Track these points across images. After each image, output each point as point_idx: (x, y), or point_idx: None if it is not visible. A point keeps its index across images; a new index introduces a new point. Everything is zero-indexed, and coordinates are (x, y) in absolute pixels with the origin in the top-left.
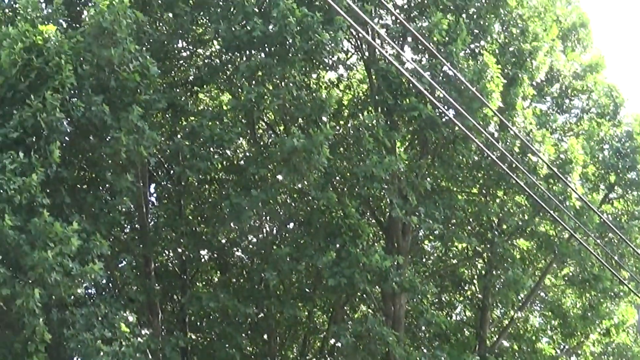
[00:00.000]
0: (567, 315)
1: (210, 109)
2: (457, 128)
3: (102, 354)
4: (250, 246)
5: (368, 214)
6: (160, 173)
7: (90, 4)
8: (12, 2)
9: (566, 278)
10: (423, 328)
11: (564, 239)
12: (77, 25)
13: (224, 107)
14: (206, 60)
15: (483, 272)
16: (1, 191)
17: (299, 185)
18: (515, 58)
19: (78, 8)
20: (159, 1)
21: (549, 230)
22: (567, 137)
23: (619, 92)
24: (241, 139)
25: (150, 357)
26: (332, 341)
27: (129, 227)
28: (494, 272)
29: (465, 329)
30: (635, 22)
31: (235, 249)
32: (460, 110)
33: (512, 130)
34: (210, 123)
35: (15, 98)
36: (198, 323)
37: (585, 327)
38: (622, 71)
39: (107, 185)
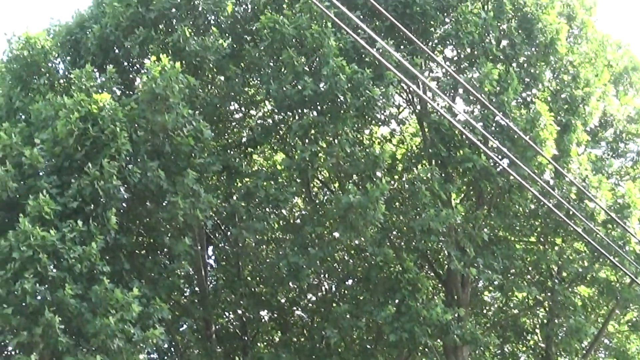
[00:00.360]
0: None
1: (265, 169)
2: (512, 177)
3: None
4: (310, 304)
5: (426, 267)
6: (217, 235)
7: (142, 71)
8: (66, 73)
9: (629, 324)
10: None
11: (626, 284)
12: (131, 93)
13: (278, 167)
14: (259, 121)
15: (545, 321)
16: (62, 260)
17: (356, 242)
18: (568, 104)
19: (131, 75)
20: (210, 65)
21: (610, 276)
22: (624, 181)
23: None
24: (296, 198)
25: None
26: None
27: (188, 290)
28: (556, 321)
29: None
30: None
31: (295, 308)
32: (514, 160)
33: (567, 177)
34: (265, 183)
35: (72, 167)
36: None
37: None
38: None
39: (165, 250)
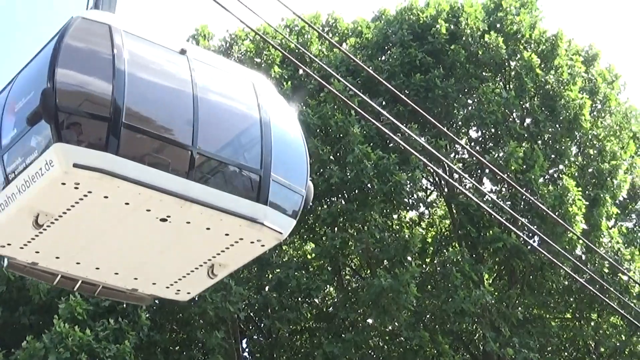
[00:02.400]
0: None
1: (295, 259)
2: (543, 255)
3: None
4: None
5: (462, 349)
6: (251, 327)
7: None
8: None
9: None
10: None
11: None
12: None
13: (309, 256)
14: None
15: None
16: (97, 359)
17: (390, 327)
18: (595, 179)
19: None
20: None
21: None
22: None
23: None
24: (328, 286)
25: None
26: None
27: None
28: None
29: None
30: None
31: None
32: (545, 237)
33: (599, 252)
34: (296, 273)
35: None
36: None
37: None
38: None
39: (199, 345)
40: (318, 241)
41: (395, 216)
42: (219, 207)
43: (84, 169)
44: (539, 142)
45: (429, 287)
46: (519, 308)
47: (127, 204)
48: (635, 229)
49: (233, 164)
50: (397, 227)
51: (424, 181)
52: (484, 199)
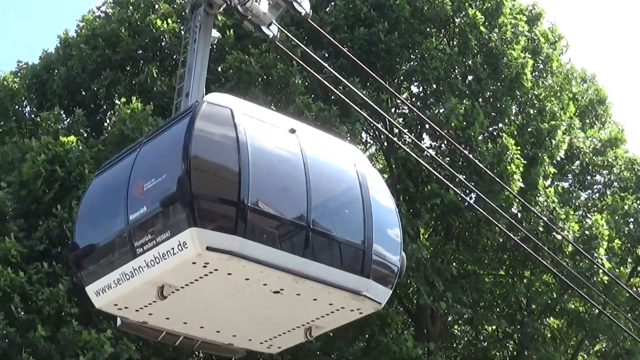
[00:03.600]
0: None
1: None
2: (479, 212)
3: None
4: None
5: (396, 302)
6: None
7: (110, 113)
8: (33, 115)
9: (599, 354)
10: None
11: (594, 315)
12: (98, 135)
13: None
14: None
15: (514, 353)
16: (30, 302)
17: None
18: (534, 138)
19: (98, 117)
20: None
21: (579, 307)
22: (591, 213)
23: None
24: None
25: None
26: None
27: None
28: (526, 353)
29: None
30: None
31: None
32: (481, 195)
33: (534, 211)
34: None
35: (40, 209)
36: None
37: None
38: None
39: None
40: None
41: None
42: (330, 283)
43: (216, 251)
44: (480, 99)
45: None
46: (454, 263)
47: (247, 279)
48: (571, 189)
49: (340, 240)
50: None
51: (364, 134)
52: (423, 155)
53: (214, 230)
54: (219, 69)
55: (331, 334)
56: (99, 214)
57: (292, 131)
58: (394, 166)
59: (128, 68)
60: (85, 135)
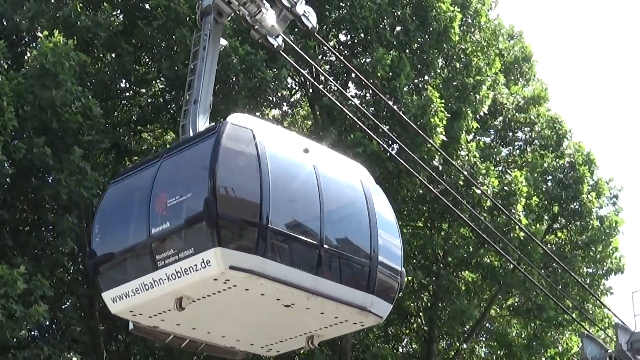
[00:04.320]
0: (512, 345)
1: (154, 148)
2: (401, 163)
3: None
4: None
5: None
6: None
7: (32, 45)
8: None
9: (511, 308)
10: None
11: (509, 270)
12: (19, 67)
13: (168, 146)
14: (149, 100)
15: (429, 304)
16: None
17: None
18: (459, 92)
19: (19, 49)
20: (102, 42)
21: (494, 261)
22: (511, 169)
23: (562, 123)
24: None
25: None
26: None
27: (72, 268)
28: (440, 304)
29: None
30: (577, 53)
31: None
32: (403, 146)
33: (455, 165)
34: None
35: None
36: None
37: (530, 356)
38: (565, 103)
39: (50, 227)
40: (178, 131)
41: (258, 113)
42: (339, 299)
43: (238, 270)
44: (407, 51)
45: None
46: None
47: (262, 294)
48: (492, 144)
49: (349, 258)
50: None
51: (290, 80)
52: (348, 104)
53: (237, 250)
54: (146, 6)
55: None
56: (118, 223)
57: (306, 151)
58: (318, 113)
59: (52, 1)
60: (6, 67)
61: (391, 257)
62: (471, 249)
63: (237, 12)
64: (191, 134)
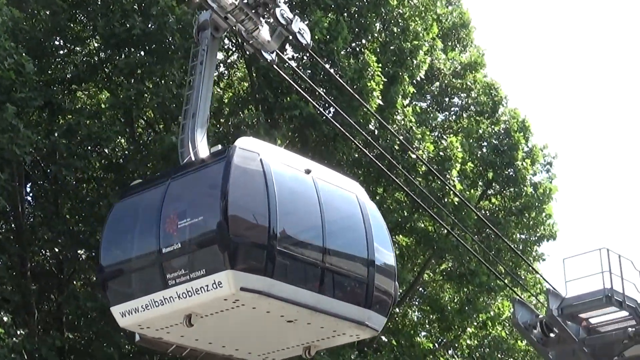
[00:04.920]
0: (444, 309)
1: (88, 107)
2: (337, 126)
3: None
4: None
5: None
6: (36, 172)
7: None
8: None
9: (444, 273)
10: None
11: (443, 235)
12: None
13: (103, 106)
14: (84, 58)
15: None
16: None
17: None
18: (396, 56)
19: None
20: None
21: (428, 226)
22: (447, 134)
23: (498, 90)
24: (120, 137)
25: (26, 357)
26: None
27: (3, 226)
28: None
29: None
30: (514, 20)
31: None
32: (339, 110)
33: (391, 129)
34: (88, 121)
35: None
36: (75, 322)
37: (463, 320)
38: (501, 69)
39: None
40: (113, 91)
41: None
42: (340, 315)
43: (249, 291)
44: (345, 14)
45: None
46: None
47: (268, 312)
48: (428, 109)
49: (348, 276)
50: None
51: (226, 41)
52: (285, 66)
53: (247, 272)
54: None
55: None
56: (126, 241)
57: (308, 172)
58: (254, 75)
59: None
60: None
61: (386, 272)
62: (405, 214)
63: (234, 27)
64: (190, 147)
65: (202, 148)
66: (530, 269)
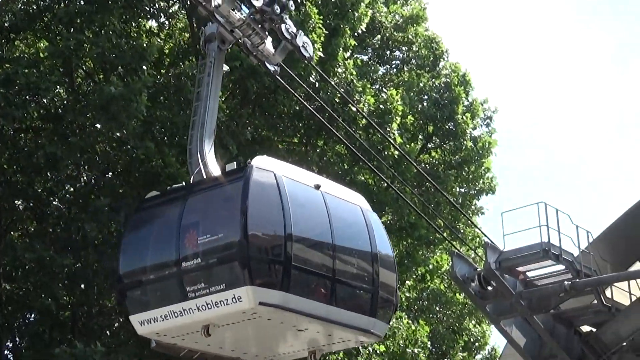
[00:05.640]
0: None
1: (27, 56)
2: (277, 79)
3: None
4: (68, 196)
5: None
6: None
7: None
8: None
9: (384, 226)
10: None
11: (382, 188)
12: None
13: (41, 55)
14: (22, 7)
15: None
16: None
17: (118, 134)
18: (337, 9)
19: None
20: None
21: (368, 179)
22: (387, 88)
23: (439, 44)
24: (58, 87)
25: None
26: None
27: None
28: None
29: None
30: None
31: (51, 198)
32: (280, 62)
33: (331, 82)
34: (26, 70)
35: None
36: (13, 273)
37: (402, 274)
38: (442, 23)
39: None
40: (52, 40)
41: (134, 23)
42: (349, 325)
43: (266, 306)
44: None
45: (162, 98)
46: (249, 128)
47: (281, 322)
48: (369, 62)
49: (356, 286)
50: (136, 34)
51: None
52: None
53: (265, 287)
54: None
55: (120, 191)
56: (145, 253)
57: (317, 187)
58: (195, 25)
59: None
60: None
61: (389, 281)
62: (346, 167)
63: (239, 40)
64: (198, 158)
65: (210, 159)
66: (469, 222)
